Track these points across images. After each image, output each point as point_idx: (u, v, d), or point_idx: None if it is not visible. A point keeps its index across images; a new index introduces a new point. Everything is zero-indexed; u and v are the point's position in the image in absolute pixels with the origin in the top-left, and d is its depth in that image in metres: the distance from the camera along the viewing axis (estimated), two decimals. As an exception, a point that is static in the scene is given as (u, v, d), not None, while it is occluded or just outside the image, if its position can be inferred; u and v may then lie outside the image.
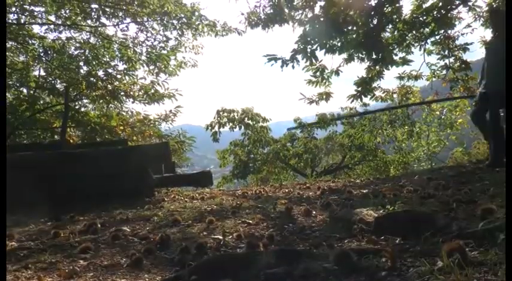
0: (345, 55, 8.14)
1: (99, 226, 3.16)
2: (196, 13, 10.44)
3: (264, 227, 2.84)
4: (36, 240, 2.82)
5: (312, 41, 7.30)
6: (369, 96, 9.26)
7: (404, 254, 1.78)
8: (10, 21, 9.14)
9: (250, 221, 3.00)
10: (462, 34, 8.74)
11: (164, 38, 10.73)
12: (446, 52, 8.63)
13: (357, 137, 15.26)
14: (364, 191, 4.46)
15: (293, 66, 7.36)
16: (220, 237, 2.53)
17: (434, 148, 15.41)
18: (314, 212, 3.13)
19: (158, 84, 10.64)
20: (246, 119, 15.19)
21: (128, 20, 10.33)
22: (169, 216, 3.51)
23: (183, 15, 10.33)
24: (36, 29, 10.34)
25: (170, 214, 3.71)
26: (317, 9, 7.70)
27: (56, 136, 9.72)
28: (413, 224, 2.14)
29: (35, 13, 9.86)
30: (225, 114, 15.09)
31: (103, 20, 10.10)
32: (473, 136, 14.42)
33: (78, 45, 10.46)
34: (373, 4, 7.27)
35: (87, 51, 10.36)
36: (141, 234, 2.84)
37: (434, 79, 9.32)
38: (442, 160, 14.40)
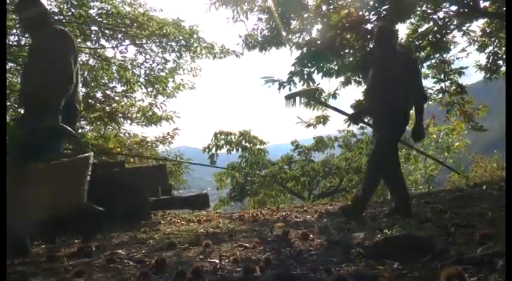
0: (342, 78, 8.22)
1: (94, 249, 3.12)
2: (195, 35, 10.54)
3: (260, 250, 2.81)
4: (29, 264, 2.77)
5: (309, 64, 7.35)
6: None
7: (402, 280, 1.76)
8: (10, 43, 9.20)
9: (247, 245, 2.97)
10: (457, 58, 8.87)
11: (163, 60, 10.80)
12: (442, 76, 8.72)
13: (354, 160, 15.24)
14: (362, 214, 4.43)
15: (290, 89, 7.39)
16: (217, 261, 2.50)
17: (431, 171, 15.39)
18: (311, 236, 3.11)
19: (156, 106, 10.65)
20: (244, 141, 15.22)
21: (127, 42, 10.39)
22: (166, 239, 3.47)
23: (181, 38, 10.42)
24: (36, 51, 10.39)
25: (166, 237, 3.68)
26: (314, 33, 7.82)
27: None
28: (411, 249, 2.13)
29: (36, 35, 9.94)
30: (222, 136, 15.13)
31: (102, 42, 10.15)
32: (470, 159, 14.45)
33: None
34: (369, 27, 7.38)
35: (85, 72, 10.39)
36: (136, 257, 2.80)
37: (430, 102, 9.39)
38: (440, 183, 14.37)
